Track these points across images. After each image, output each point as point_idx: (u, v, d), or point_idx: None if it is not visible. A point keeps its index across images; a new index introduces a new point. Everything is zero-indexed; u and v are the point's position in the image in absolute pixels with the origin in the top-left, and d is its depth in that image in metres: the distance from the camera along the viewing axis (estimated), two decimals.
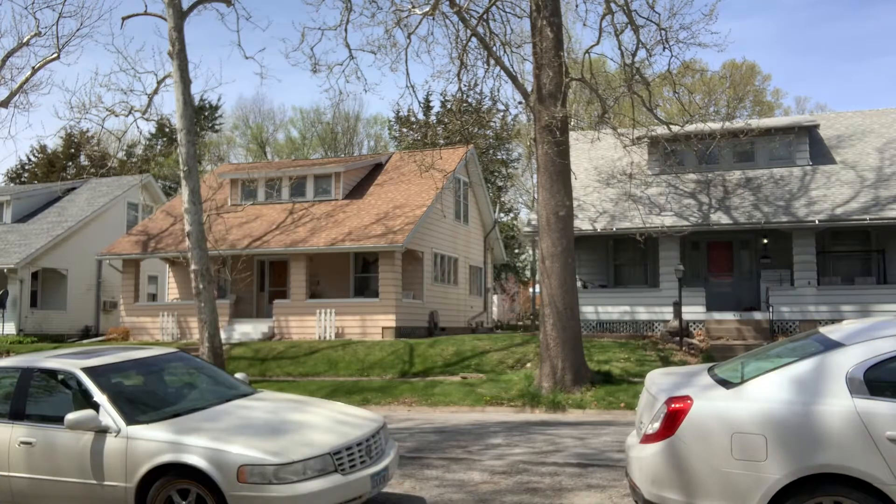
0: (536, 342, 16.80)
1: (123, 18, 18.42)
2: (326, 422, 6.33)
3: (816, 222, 18.34)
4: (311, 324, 21.51)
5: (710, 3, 52.90)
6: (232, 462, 5.46)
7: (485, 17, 15.10)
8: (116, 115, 18.54)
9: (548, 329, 14.04)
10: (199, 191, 16.67)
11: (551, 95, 14.12)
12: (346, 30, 15.84)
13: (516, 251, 43.16)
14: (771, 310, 18.87)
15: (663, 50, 15.04)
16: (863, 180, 19.81)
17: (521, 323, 38.97)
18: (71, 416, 5.83)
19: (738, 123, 20.41)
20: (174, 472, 5.61)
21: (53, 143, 51.09)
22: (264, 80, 38.48)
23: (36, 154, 46.85)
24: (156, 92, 17.94)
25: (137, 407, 6.25)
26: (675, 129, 16.69)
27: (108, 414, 5.92)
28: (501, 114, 27.89)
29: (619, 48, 15.68)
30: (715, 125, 19.81)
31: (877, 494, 4.45)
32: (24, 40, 21.13)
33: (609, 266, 22.06)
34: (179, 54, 16.42)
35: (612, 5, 14.80)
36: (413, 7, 14.74)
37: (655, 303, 19.85)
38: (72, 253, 27.94)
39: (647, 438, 5.10)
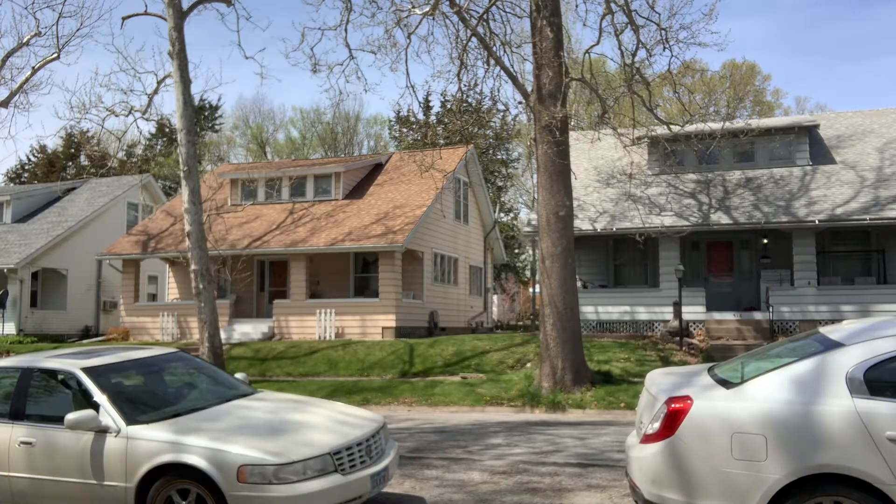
0: (536, 342, 16.80)
1: (123, 18, 18.43)
2: (326, 422, 6.33)
3: (816, 222, 18.35)
4: (311, 324, 21.51)
5: (710, 3, 52.90)
6: (232, 462, 5.46)
7: (485, 17, 15.10)
8: (116, 115, 18.56)
9: (548, 329, 14.04)
10: (199, 191, 16.67)
11: (551, 95, 14.12)
12: (346, 30, 15.85)
13: (516, 251, 43.17)
14: (771, 310, 18.87)
15: (663, 50, 15.06)
16: (863, 180, 19.81)
17: (521, 323, 38.97)
18: (71, 416, 5.83)
19: (738, 123, 20.41)
20: (174, 472, 5.61)
21: (53, 143, 51.16)
22: (264, 80, 38.49)
23: (36, 154, 46.85)
24: (156, 92, 17.94)
25: (137, 407, 6.25)
26: (675, 129, 16.69)
27: (108, 414, 5.93)
28: (501, 114, 27.86)
29: (619, 48, 15.69)
30: (715, 125, 19.82)
31: (877, 494, 4.45)
32: (24, 40, 21.15)
33: (609, 266, 22.06)
34: (179, 54, 16.42)
35: (612, 5, 14.79)
36: (413, 7, 14.74)
37: (655, 303, 19.85)
38: (72, 253, 27.95)
39: (647, 438, 5.10)
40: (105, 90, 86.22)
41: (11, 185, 43.21)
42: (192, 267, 16.11)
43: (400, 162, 26.85)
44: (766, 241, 20.25)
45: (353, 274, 24.01)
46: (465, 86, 15.26)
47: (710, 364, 6.12)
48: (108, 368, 6.54)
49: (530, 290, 41.42)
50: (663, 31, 14.85)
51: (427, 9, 14.53)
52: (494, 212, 32.40)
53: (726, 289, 20.72)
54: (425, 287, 23.51)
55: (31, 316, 26.57)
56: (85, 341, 24.58)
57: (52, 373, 6.50)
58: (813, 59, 76.86)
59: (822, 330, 5.41)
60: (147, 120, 18.55)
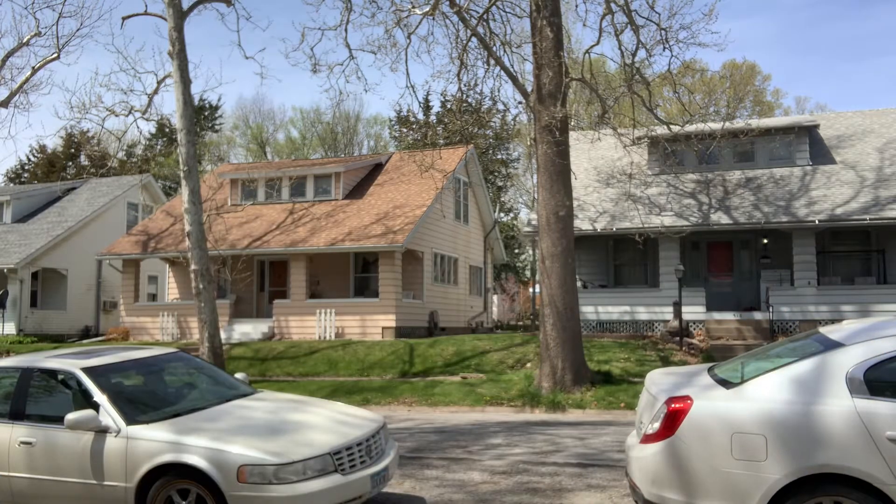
0: (536, 342, 16.80)
1: (123, 18, 18.42)
2: (326, 422, 6.33)
3: (816, 222, 18.34)
4: (311, 324, 21.51)
5: (710, 3, 52.91)
6: (232, 462, 5.46)
7: (485, 17, 15.10)
8: (116, 115, 18.57)
9: (548, 329, 14.04)
10: (199, 191, 16.67)
11: (551, 95, 14.12)
12: (346, 30, 15.85)
13: (516, 251, 43.17)
14: (771, 310, 18.87)
15: (663, 50, 15.06)
16: (863, 180, 19.81)
17: (521, 323, 38.96)
18: (71, 416, 5.83)
19: (739, 123, 20.42)
20: (174, 472, 5.61)
21: (53, 143, 51.16)
22: (264, 80, 38.54)
23: (36, 154, 46.85)
24: (156, 92, 17.94)
25: (137, 407, 6.25)
26: (675, 129, 16.69)
27: (108, 414, 5.92)
28: (501, 114, 27.82)
29: (619, 48, 15.69)
30: (715, 125, 19.82)
31: (877, 494, 4.45)
32: (24, 40, 21.14)
33: (609, 266, 22.06)
34: (179, 54, 16.42)
35: (612, 5, 14.79)
36: (413, 7, 14.74)
37: (655, 303, 19.85)
38: (72, 253, 27.94)
39: (647, 438, 5.10)
40: (105, 90, 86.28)
41: (11, 185, 43.21)
42: (192, 267, 16.11)
43: (400, 162, 26.85)
44: (766, 241, 20.25)
45: (353, 274, 24.02)
46: (465, 86, 15.27)
47: (710, 364, 6.12)
48: (108, 368, 6.54)
49: (530, 290, 41.41)
50: (663, 31, 14.86)
51: (427, 9, 14.53)
52: (494, 212, 32.40)
53: (726, 289, 20.72)
54: (425, 287, 23.51)
55: (31, 316, 26.57)
56: (85, 341, 24.58)
57: (52, 373, 6.49)
58: (813, 59, 76.93)
59: (822, 330, 5.41)
60: (147, 120, 18.57)
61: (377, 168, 26.72)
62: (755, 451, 4.63)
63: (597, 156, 23.36)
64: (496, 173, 40.75)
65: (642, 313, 20.04)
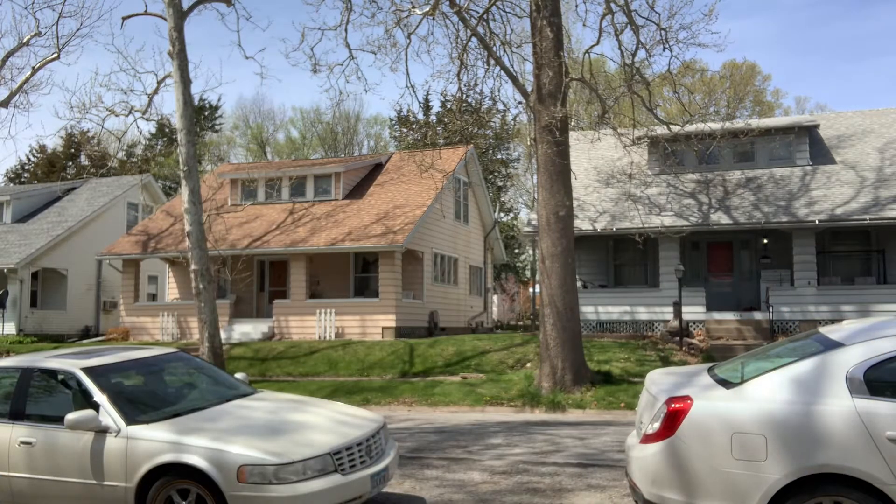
0: (536, 342, 16.80)
1: (123, 18, 18.42)
2: (326, 422, 6.33)
3: (816, 222, 18.35)
4: (311, 324, 21.51)
5: (710, 3, 52.89)
6: (232, 462, 5.46)
7: (485, 17, 15.10)
8: (116, 115, 18.57)
9: (548, 329, 14.04)
10: (199, 191, 16.67)
11: (551, 95, 14.12)
12: (346, 30, 15.85)
13: (516, 251, 43.16)
14: (771, 310, 18.87)
15: (663, 50, 15.06)
16: (863, 180, 19.81)
17: (521, 323, 38.96)
18: (71, 416, 5.83)
19: (738, 123, 20.42)
20: (174, 472, 5.61)
21: (53, 143, 51.18)
22: (264, 80, 38.54)
23: (36, 154, 46.85)
24: (156, 92, 17.94)
25: (137, 407, 6.25)
26: (675, 129, 16.69)
27: (108, 414, 5.92)
28: (501, 114, 27.84)
29: (619, 48, 15.69)
30: (715, 125, 19.83)
31: (877, 494, 4.45)
32: (24, 40, 21.14)
33: (609, 266, 22.06)
34: (179, 54, 16.42)
35: (612, 5, 14.80)
36: (413, 7, 14.74)
37: (655, 303, 19.85)
38: (72, 253, 27.95)
39: (647, 438, 5.10)
40: (105, 90, 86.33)
41: (11, 185, 43.21)
42: (192, 267, 16.11)
43: (400, 162, 26.85)
44: (766, 241, 20.25)
45: (353, 274, 24.02)
46: (465, 86, 15.27)
47: (710, 364, 6.12)
48: (108, 368, 6.54)
49: (530, 290, 41.40)
50: (663, 31, 14.86)
51: (427, 9, 14.53)
52: (494, 212, 32.40)
53: (726, 289, 20.72)
54: (425, 287, 23.51)
55: (31, 316, 26.56)
56: (85, 341, 24.58)
57: (52, 373, 6.49)
58: (813, 59, 76.92)
59: (822, 330, 5.41)
60: (147, 120, 18.57)
61: (377, 168, 26.72)
62: (755, 451, 4.63)
63: (597, 156, 23.36)
64: (496, 173, 40.75)
65: (642, 313, 20.04)
